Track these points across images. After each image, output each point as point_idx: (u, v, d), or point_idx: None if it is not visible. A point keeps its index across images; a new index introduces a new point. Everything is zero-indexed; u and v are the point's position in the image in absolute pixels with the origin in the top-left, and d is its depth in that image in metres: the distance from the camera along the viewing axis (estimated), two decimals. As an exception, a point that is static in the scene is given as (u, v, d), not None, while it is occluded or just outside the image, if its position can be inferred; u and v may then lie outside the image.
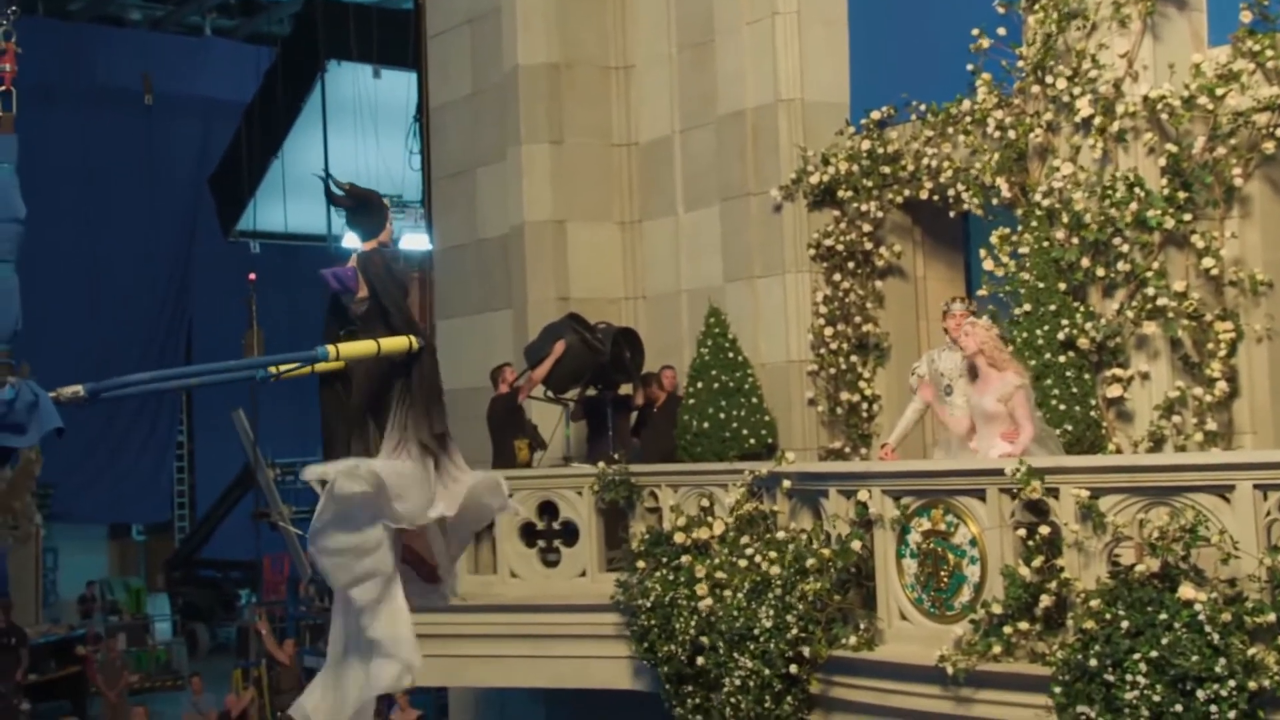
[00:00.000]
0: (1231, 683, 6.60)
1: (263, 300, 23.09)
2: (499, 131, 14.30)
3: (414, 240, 25.74)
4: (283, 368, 6.76)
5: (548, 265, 13.73)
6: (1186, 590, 6.89)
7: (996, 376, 8.56)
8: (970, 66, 10.80)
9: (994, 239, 10.48)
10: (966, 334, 8.69)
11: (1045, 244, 10.01)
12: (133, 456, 32.29)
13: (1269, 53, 9.32)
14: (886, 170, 11.67)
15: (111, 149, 30.71)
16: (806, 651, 8.60)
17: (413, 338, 6.90)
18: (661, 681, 10.12)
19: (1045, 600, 7.51)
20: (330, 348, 6.75)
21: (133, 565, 33.67)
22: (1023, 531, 7.74)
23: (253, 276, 20.66)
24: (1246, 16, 9.45)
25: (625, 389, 12.95)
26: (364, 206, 7.19)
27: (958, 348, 9.39)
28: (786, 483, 9.56)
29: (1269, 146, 9.34)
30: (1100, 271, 9.90)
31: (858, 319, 11.95)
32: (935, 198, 11.30)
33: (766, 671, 8.69)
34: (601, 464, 11.41)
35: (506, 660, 11.65)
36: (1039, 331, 9.76)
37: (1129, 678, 6.82)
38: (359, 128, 25.77)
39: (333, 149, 24.34)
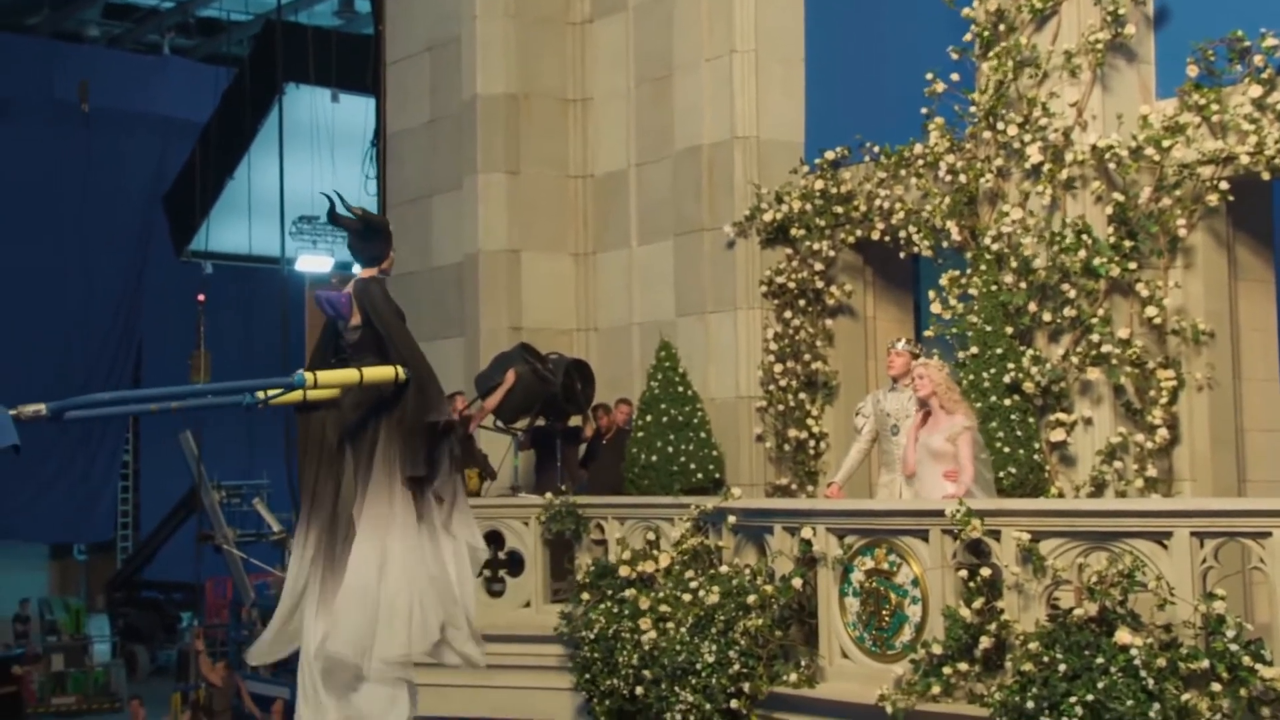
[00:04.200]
0: (1164, 727, 6.68)
1: (213, 322, 22.99)
2: (456, 160, 14.33)
3: (367, 265, 25.67)
4: (272, 394, 6.50)
5: (501, 294, 13.74)
6: (1123, 635, 6.97)
7: (946, 417, 8.64)
8: (924, 110, 10.93)
9: (943, 281, 10.60)
10: (920, 376, 8.78)
11: (993, 288, 10.13)
12: (77, 475, 31.92)
13: (1214, 107, 9.49)
14: (839, 210, 11.78)
15: (66, 165, 30.49)
16: (747, 687, 8.62)
17: (399, 368, 6.63)
18: (596, 715, 10.11)
19: (985, 641, 7.57)
20: (309, 374, 6.50)
21: (73, 585, 33.24)
22: (964, 573, 7.81)
23: (201, 298, 20.55)
24: (1193, 71, 9.62)
25: (575, 420, 12.97)
26: (372, 232, 6.97)
27: (899, 386, 9.49)
28: (732, 518, 9.60)
29: (1212, 199, 9.49)
30: (1047, 316, 10.02)
31: (807, 357, 12.03)
32: (887, 239, 11.41)
33: (708, 706, 8.71)
34: (549, 495, 11.41)
35: (447, 689, 11.53)
36: (985, 374, 9.86)
37: (1065, 720, 6.89)
38: (316, 151, 25.70)
39: (289, 172, 24.25)
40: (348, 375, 6.58)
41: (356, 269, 7.16)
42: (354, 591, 6.63)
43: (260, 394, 6.41)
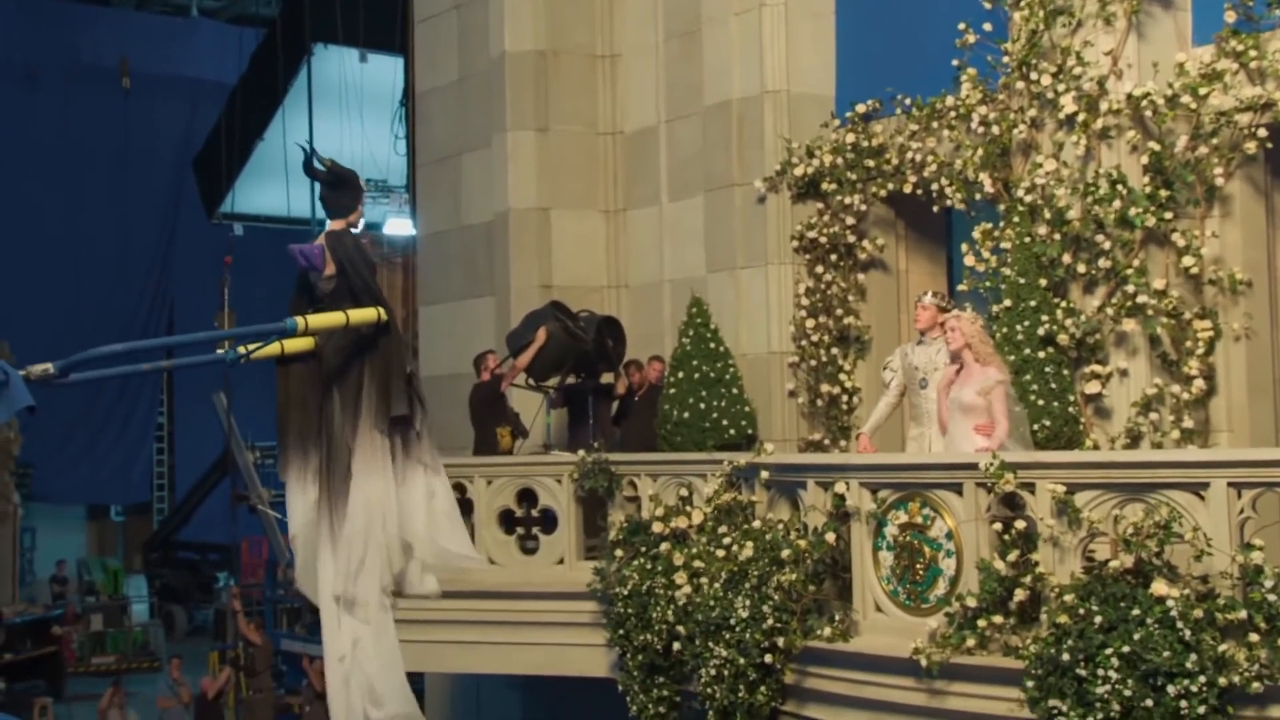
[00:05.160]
0: (1202, 678, 6.64)
1: (243, 283, 23.06)
2: (485, 118, 14.28)
3: (398, 225, 25.73)
4: (252, 348, 6.77)
5: (531, 252, 13.72)
6: (1159, 586, 6.93)
7: (979, 370, 8.58)
8: (956, 62, 10.82)
9: (976, 234, 10.52)
10: (953, 329, 8.71)
11: (1027, 240, 10.05)
12: (112, 438, 32.23)
13: (1252, 53, 9.35)
14: (871, 163, 11.69)
15: (95, 128, 30.61)
16: (781, 642, 8.62)
17: (380, 309, 6.91)
18: (629, 670, 10.13)
19: (1020, 594, 7.53)
20: (299, 319, 6.74)
21: (111, 546, 33.61)
22: (999, 525, 7.77)
23: (228, 260, 20.64)
24: (1230, 16, 9.48)
25: (606, 377, 12.96)
26: (341, 184, 7.20)
27: (926, 340, 9.45)
28: (765, 474, 9.57)
29: (1250, 146, 9.37)
30: (1081, 268, 9.94)
31: (839, 311, 11.97)
32: (919, 192, 11.33)
33: (741, 661, 8.71)
34: (581, 452, 11.42)
35: (483, 647, 11.66)
36: (1019, 327, 9.79)
37: (1101, 672, 6.86)
38: (345, 111, 25.72)
39: (318, 132, 24.26)
40: (334, 318, 6.82)
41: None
42: (356, 532, 6.87)
43: (241, 349, 6.65)
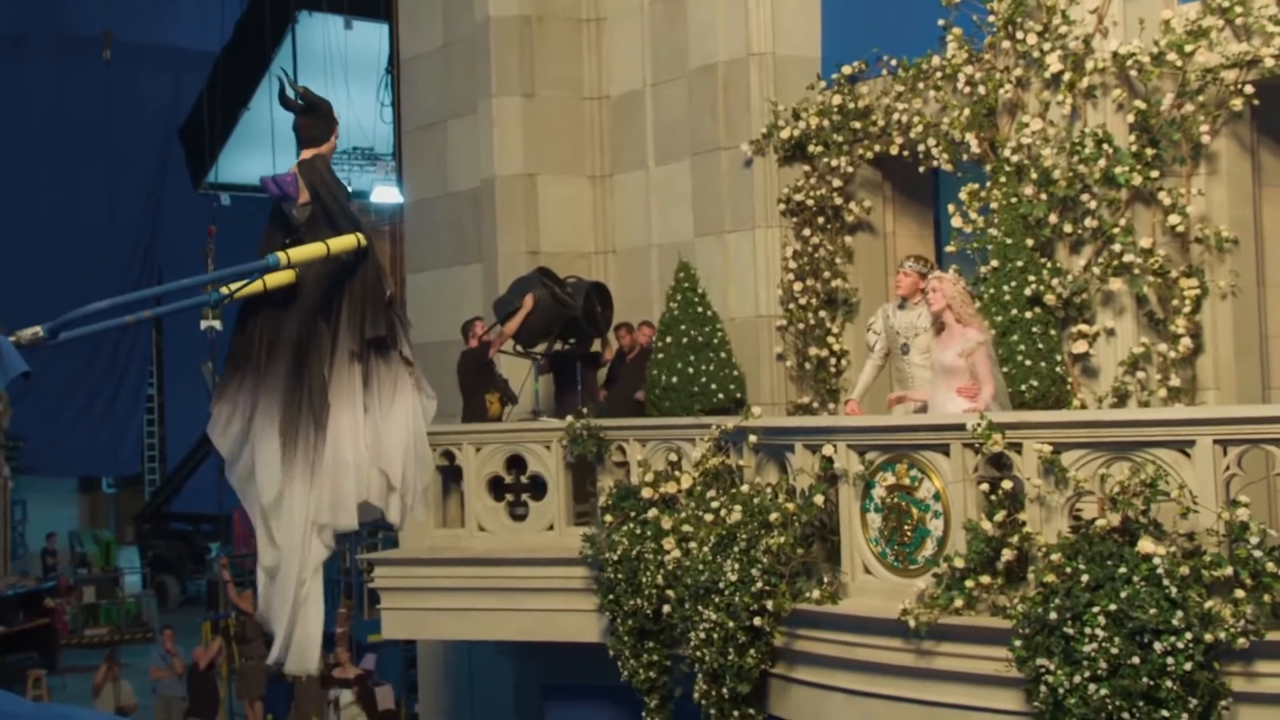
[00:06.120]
0: (1188, 635, 6.67)
1: (232, 252, 22.95)
2: (470, 84, 14.20)
3: (385, 193, 25.65)
4: (235, 287, 6.69)
5: (518, 219, 13.67)
6: (1146, 544, 6.94)
7: (959, 331, 8.56)
8: (941, 22, 10.79)
9: (963, 195, 10.50)
10: (934, 290, 8.70)
11: (1014, 200, 10.03)
12: (103, 409, 32.18)
13: (1238, 9, 9.32)
14: (857, 125, 11.65)
15: (81, 98, 30.47)
16: (770, 605, 8.63)
17: (359, 235, 6.84)
18: (619, 635, 10.16)
19: (1007, 554, 7.55)
20: (280, 253, 6.64)
21: (103, 518, 33.61)
22: (986, 486, 7.78)
23: (212, 230, 20.56)
24: (1216, -27, 9.44)
25: (594, 343, 12.94)
26: (313, 112, 7.10)
27: (909, 305, 9.43)
28: (753, 437, 9.57)
29: (1237, 104, 9.35)
30: (1068, 228, 9.93)
31: (827, 274, 11.95)
32: (905, 153, 11.29)
33: (731, 624, 8.72)
34: (570, 418, 11.41)
35: (474, 613, 11.68)
36: (1006, 287, 9.78)
37: (1088, 630, 6.88)
38: (330, 79, 25.54)
39: (304, 101, 24.13)
40: (315, 249, 6.72)
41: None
42: (342, 462, 6.81)
43: (225, 289, 6.56)
